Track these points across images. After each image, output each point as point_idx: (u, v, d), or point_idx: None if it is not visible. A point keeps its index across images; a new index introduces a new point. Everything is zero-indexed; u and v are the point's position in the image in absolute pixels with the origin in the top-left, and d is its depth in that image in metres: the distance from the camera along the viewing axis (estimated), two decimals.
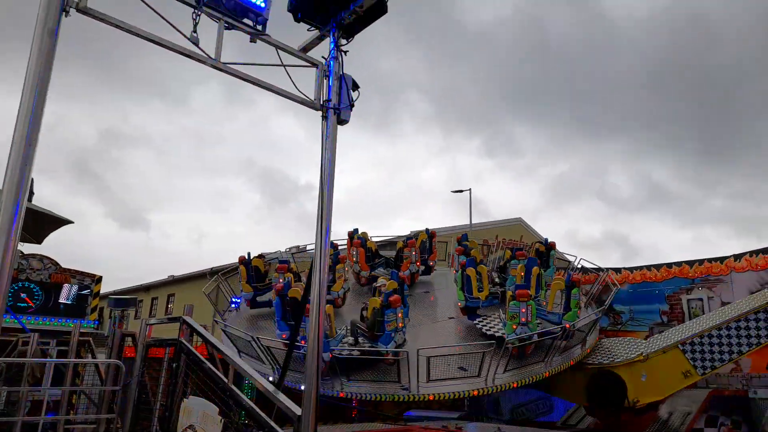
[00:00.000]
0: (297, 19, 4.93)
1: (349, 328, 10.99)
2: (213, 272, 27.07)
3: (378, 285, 12.53)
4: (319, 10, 4.88)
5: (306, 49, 5.13)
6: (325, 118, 4.84)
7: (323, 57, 4.99)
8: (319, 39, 5.07)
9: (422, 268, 16.00)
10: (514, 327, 10.78)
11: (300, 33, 5.19)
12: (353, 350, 10.18)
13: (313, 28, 4.98)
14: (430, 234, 16.53)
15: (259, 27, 4.47)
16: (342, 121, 4.90)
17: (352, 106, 4.94)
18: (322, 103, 4.88)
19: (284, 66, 4.62)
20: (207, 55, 4.33)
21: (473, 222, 29.46)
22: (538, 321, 11.52)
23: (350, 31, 4.97)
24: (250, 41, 4.50)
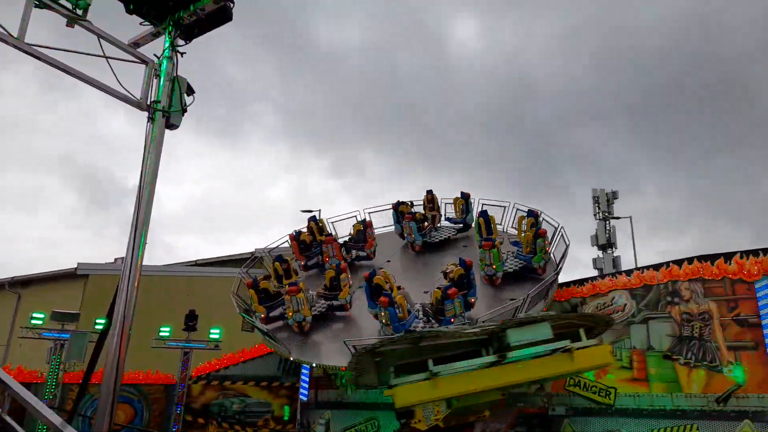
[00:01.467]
0: (129, 11, 4.51)
1: (420, 310, 12.86)
2: (12, 283, 23.45)
3: (447, 271, 13.94)
4: (156, 5, 4.52)
5: (137, 44, 4.70)
6: (151, 120, 4.44)
7: (155, 55, 4.61)
8: (154, 36, 4.68)
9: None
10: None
11: (135, 27, 4.75)
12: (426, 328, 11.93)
13: (146, 23, 4.58)
14: (365, 224, 18.32)
15: (79, 11, 3.98)
16: (171, 126, 4.55)
17: (184, 110, 4.61)
18: (149, 103, 4.48)
19: (106, 58, 4.17)
20: (8, 32, 3.73)
21: None
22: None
23: (189, 33, 4.67)
24: (67, 25, 3.98)
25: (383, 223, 19.37)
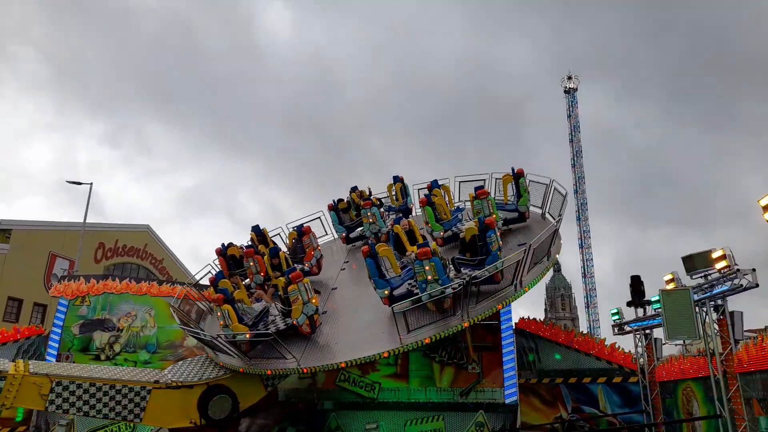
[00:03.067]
0: None
1: (450, 265, 11.34)
2: None
3: (461, 229, 12.77)
4: None
5: None
6: None
7: None
8: None
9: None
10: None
11: None
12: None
13: None
14: (301, 231, 15.50)
15: None
16: None
17: None
18: None
19: None
20: None
21: (90, 221, 26.01)
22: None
23: None
24: None
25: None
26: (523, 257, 10.52)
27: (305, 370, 11.32)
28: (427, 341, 10.59)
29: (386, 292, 11.25)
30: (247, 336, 11.51)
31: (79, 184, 23.93)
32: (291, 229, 16.01)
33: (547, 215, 13.73)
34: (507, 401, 15.80)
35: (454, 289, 10.43)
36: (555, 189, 13.45)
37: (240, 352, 11.88)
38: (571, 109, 50.94)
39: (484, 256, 11.16)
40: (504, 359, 16.04)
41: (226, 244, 15.49)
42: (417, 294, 10.68)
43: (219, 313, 11.89)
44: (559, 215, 12.66)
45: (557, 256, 12.92)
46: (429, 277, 10.48)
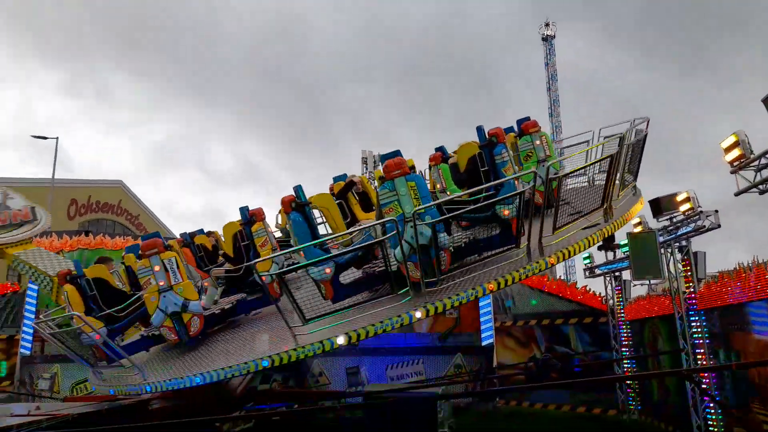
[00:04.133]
0: None
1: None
2: None
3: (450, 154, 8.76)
4: None
5: None
6: None
7: None
8: None
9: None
10: None
11: None
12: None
13: None
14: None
15: None
16: None
17: None
18: None
19: None
20: None
21: (58, 176, 25.43)
22: None
23: None
24: None
25: None
26: (616, 157, 7.01)
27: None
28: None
29: (328, 270, 6.81)
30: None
31: (45, 138, 23.25)
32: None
33: None
34: (483, 344, 16.44)
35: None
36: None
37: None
38: (549, 57, 50.44)
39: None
40: (480, 305, 16.55)
41: (190, 233, 10.70)
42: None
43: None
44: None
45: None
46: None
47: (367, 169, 30.17)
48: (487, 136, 7.78)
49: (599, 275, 15.75)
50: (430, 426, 9.80)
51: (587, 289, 17.12)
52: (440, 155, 8.54)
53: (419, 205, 6.28)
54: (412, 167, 8.29)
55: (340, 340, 6.33)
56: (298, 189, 7.70)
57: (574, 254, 6.72)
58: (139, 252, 7.97)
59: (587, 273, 16.06)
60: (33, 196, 27.97)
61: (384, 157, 7.37)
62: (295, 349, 6.49)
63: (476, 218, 6.88)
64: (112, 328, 8.23)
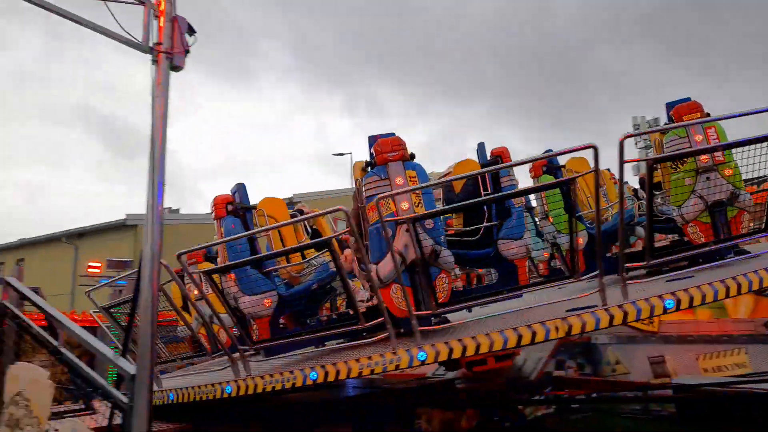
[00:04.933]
0: None
1: None
2: (69, 235, 25.13)
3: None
4: None
5: None
6: (155, 62, 4.55)
7: None
8: None
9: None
10: None
11: None
12: None
13: None
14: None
15: None
16: (176, 68, 4.63)
17: (187, 51, 4.68)
18: (151, 45, 4.57)
19: (104, 1, 4.25)
20: None
21: (346, 187, 29.78)
22: None
23: None
24: None
25: None
26: None
27: None
28: None
29: (268, 302, 5.44)
30: None
31: (342, 155, 27.56)
32: None
33: None
34: None
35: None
36: None
37: None
38: None
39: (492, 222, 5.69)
40: None
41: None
42: None
43: None
44: None
45: None
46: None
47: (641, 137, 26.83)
48: (489, 156, 6.34)
49: None
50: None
51: None
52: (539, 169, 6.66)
53: (420, 203, 4.77)
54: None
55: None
56: (241, 188, 6.42)
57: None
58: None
59: None
60: (334, 204, 33.43)
61: (372, 139, 5.47)
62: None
63: (473, 256, 5.42)
64: None
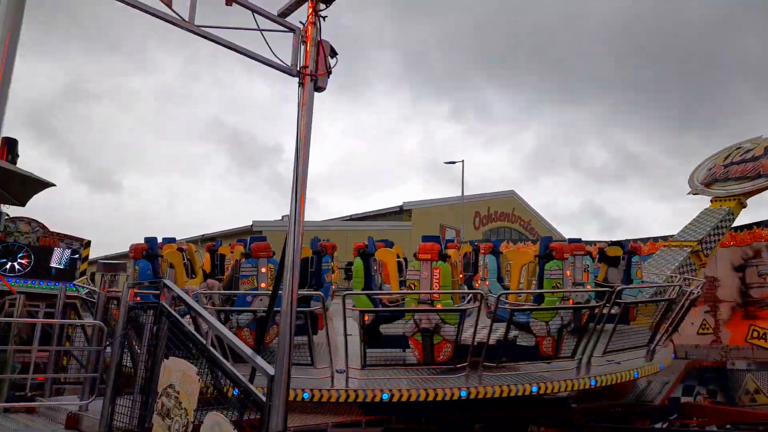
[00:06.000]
0: None
1: None
2: (204, 239, 27.32)
3: None
4: None
5: (284, 14, 5.07)
6: (302, 85, 4.84)
7: (300, 22, 4.95)
8: (298, 4, 5.01)
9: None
10: None
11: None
12: None
13: None
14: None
15: None
16: (319, 88, 4.90)
17: (329, 73, 4.94)
18: (299, 69, 4.87)
19: (261, 31, 4.60)
20: (181, 17, 4.29)
21: (459, 194, 29.49)
22: None
23: None
24: (226, 4, 4.47)
25: None
26: None
27: None
28: None
29: None
30: None
31: (453, 163, 27.38)
32: None
33: None
34: None
35: None
36: None
37: None
38: None
39: None
40: None
41: None
42: None
43: None
44: None
45: None
46: None
47: None
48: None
49: None
50: None
51: None
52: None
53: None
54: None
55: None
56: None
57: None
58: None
59: None
60: (449, 212, 33.43)
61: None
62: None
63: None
64: None
